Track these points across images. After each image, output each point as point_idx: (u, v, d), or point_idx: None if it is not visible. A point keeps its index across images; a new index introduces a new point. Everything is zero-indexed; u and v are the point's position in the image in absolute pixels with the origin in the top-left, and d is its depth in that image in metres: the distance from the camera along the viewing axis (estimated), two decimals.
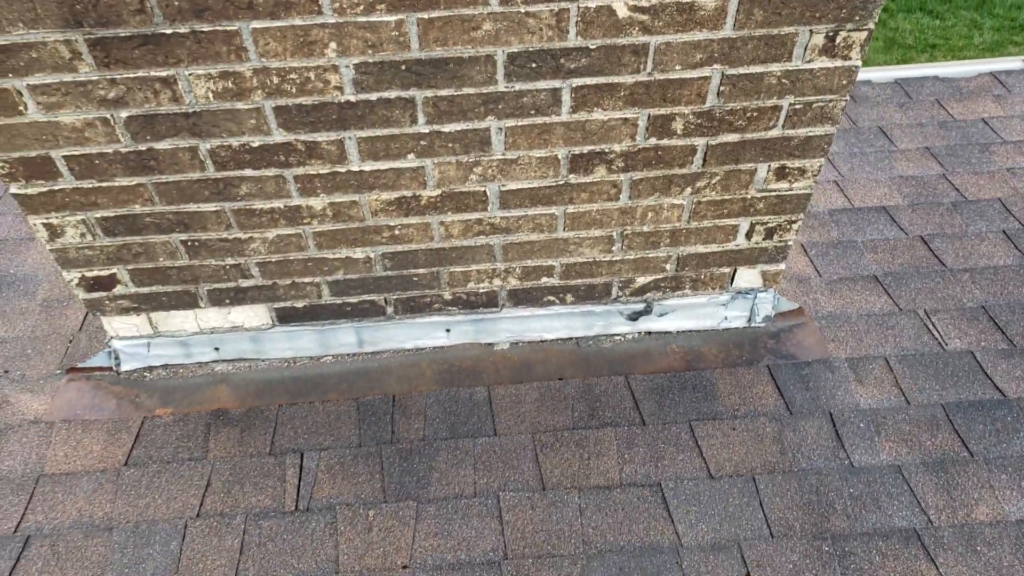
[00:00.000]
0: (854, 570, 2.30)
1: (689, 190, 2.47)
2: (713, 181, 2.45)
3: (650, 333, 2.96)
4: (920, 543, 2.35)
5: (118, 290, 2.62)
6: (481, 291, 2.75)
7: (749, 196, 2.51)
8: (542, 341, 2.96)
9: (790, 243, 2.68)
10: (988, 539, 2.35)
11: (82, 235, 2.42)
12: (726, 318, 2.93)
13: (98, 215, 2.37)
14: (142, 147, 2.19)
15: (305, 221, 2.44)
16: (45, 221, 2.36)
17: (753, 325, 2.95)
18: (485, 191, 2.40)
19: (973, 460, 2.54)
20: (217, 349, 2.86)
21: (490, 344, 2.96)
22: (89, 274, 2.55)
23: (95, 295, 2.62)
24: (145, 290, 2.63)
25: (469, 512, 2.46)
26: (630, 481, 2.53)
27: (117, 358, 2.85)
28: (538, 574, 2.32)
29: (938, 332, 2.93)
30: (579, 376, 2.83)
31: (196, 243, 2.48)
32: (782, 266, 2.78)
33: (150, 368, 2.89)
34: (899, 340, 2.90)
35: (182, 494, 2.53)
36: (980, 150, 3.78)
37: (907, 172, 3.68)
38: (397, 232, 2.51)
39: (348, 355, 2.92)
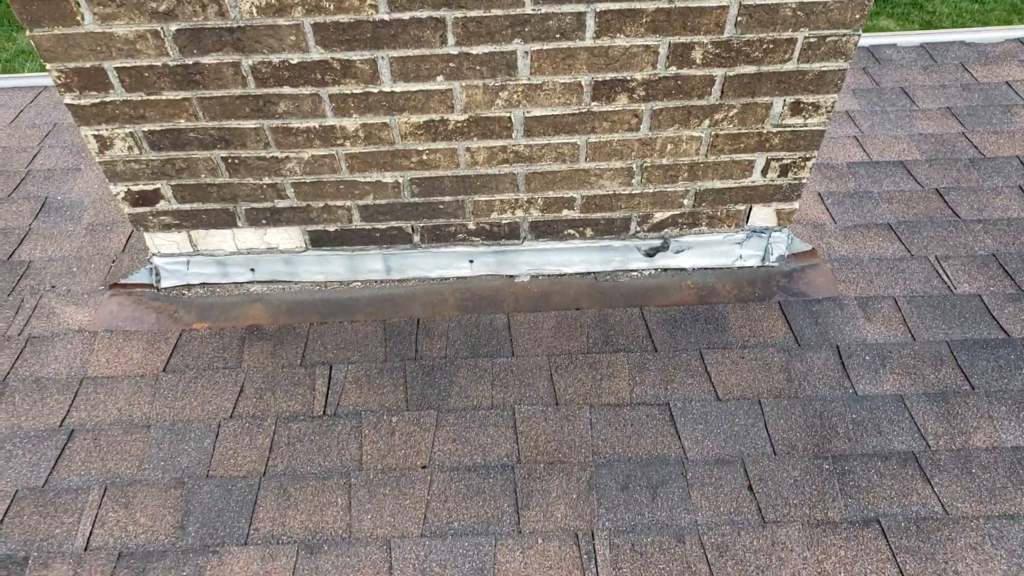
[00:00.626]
0: (852, 486, 2.41)
1: (707, 122, 2.57)
2: (730, 114, 2.55)
3: (666, 270, 3.07)
4: (917, 464, 2.45)
5: (161, 206, 2.77)
6: (504, 222, 2.87)
7: (765, 131, 2.61)
8: (561, 275, 3.08)
9: (804, 181, 2.78)
10: (983, 463, 2.45)
11: (129, 148, 2.57)
12: (741, 257, 3.03)
13: (145, 128, 2.52)
14: (189, 61, 2.33)
15: (338, 142, 2.58)
16: (96, 132, 2.51)
17: (767, 264, 3.05)
18: (510, 117, 2.52)
19: (974, 393, 2.63)
20: (252, 270, 3.01)
21: (511, 276, 3.08)
22: (135, 188, 2.70)
23: (139, 210, 2.77)
24: (186, 207, 2.78)
25: (486, 422, 2.59)
26: (640, 400, 2.64)
27: (158, 275, 3.01)
28: (549, 478, 2.44)
29: (947, 276, 3.01)
30: (595, 307, 2.95)
31: (236, 161, 2.62)
32: (796, 205, 2.87)
33: (188, 286, 3.05)
34: (908, 283, 2.99)
35: (216, 398, 2.68)
36: (1002, 111, 3.83)
37: (927, 130, 3.74)
38: (425, 157, 2.63)
39: (376, 281, 3.06)
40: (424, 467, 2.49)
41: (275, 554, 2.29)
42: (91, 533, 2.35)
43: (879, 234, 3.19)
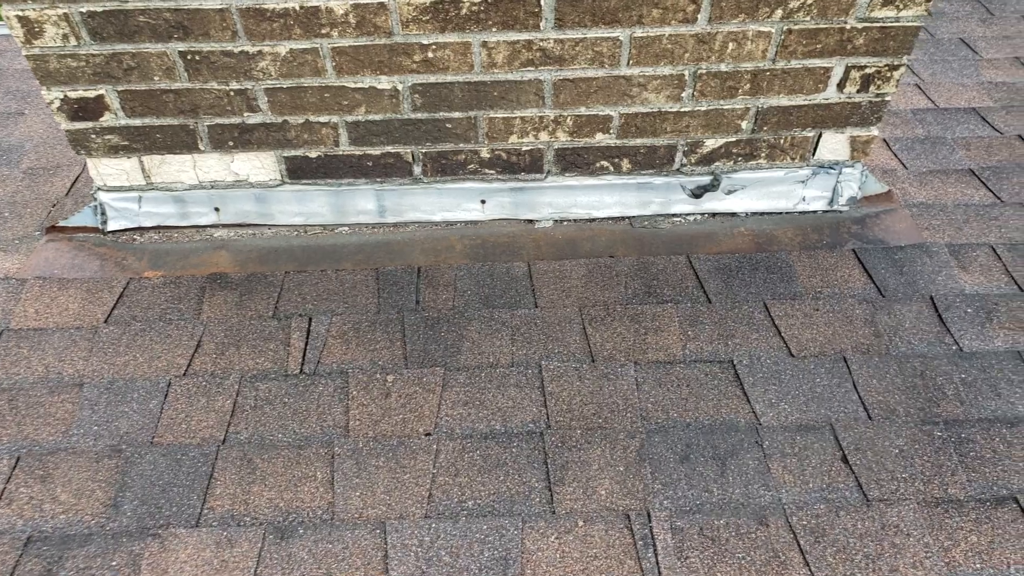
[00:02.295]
0: (974, 457, 1.89)
1: (780, 12, 2.08)
2: (809, 1, 2.06)
3: (715, 215, 2.56)
4: None
5: (106, 120, 2.24)
6: (525, 149, 2.37)
7: (848, 26, 2.12)
8: (591, 220, 2.57)
9: (888, 98, 2.29)
10: None
11: (64, 37, 2.05)
12: (804, 199, 2.53)
13: (83, 9, 2.00)
14: None
15: (323, 31, 2.07)
16: (19, 13, 2.00)
17: (835, 208, 2.55)
18: None
19: None
20: (217, 210, 2.48)
21: (530, 221, 2.56)
22: (73, 94, 2.18)
23: (79, 125, 2.25)
24: (137, 122, 2.26)
25: (505, 381, 2.06)
26: (695, 357, 2.12)
27: (103, 214, 2.47)
28: (588, 447, 1.91)
29: None
30: (632, 255, 2.44)
31: (197, 57, 2.11)
32: (875, 132, 2.38)
33: (140, 230, 2.52)
34: (1004, 231, 2.50)
35: (167, 353, 2.14)
36: None
37: (997, 79, 3.28)
38: (431, 54, 2.13)
39: (367, 226, 2.54)
40: (428, 434, 1.95)
41: (234, 538, 1.74)
42: None
43: (960, 179, 2.70)
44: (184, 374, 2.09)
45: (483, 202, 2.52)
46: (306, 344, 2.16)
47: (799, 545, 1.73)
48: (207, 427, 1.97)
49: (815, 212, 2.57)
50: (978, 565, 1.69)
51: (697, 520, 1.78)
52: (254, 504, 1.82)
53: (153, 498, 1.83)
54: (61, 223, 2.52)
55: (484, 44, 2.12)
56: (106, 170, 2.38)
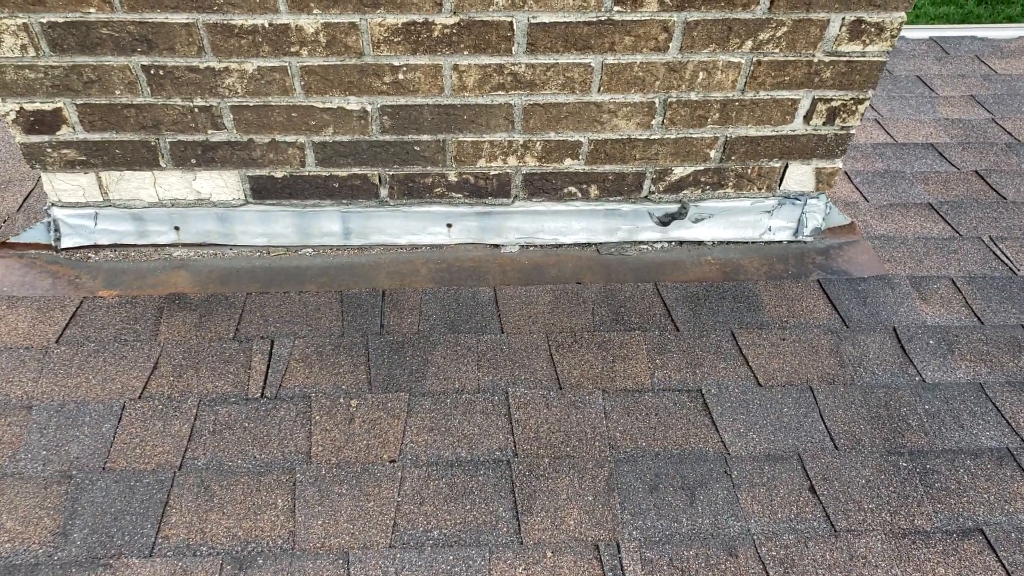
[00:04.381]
0: (939, 488, 1.89)
1: (750, 43, 2.10)
2: (778, 34, 2.08)
3: (682, 243, 2.56)
4: (1016, 463, 1.95)
5: (64, 133, 2.18)
6: (493, 173, 2.35)
7: (816, 60, 2.15)
8: (557, 246, 2.55)
9: (853, 131, 2.32)
10: None
11: (23, 47, 1.99)
12: (770, 228, 2.55)
13: (44, 19, 1.95)
14: None
15: (293, 50, 2.04)
16: None
17: (800, 239, 2.57)
18: (511, 23, 2.02)
19: None
20: (178, 228, 2.42)
21: (496, 246, 2.54)
22: (29, 107, 2.12)
23: (35, 138, 2.18)
24: (96, 137, 2.20)
25: (471, 408, 2.02)
26: (664, 386, 2.11)
27: (57, 231, 2.40)
28: (556, 476, 1.88)
29: (1008, 258, 2.56)
30: (599, 281, 2.42)
31: (161, 72, 2.06)
32: (839, 164, 2.41)
33: (96, 247, 2.44)
34: (963, 264, 2.54)
35: (122, 375, 2.07)
36: None
37: (952, 116, 3.36)
38: (401, 76, 2.10)
39: (331, 247, 2.49)
40: (393, 461, 1.90)
41: (190, 569, 1.68)
42: None
43: (920, 213, 2.75)
44: (139, 397, 2.02)
45: (449, 226, 2.49)
46: (268, 367, 2.11)
47: None
48: (162, 452, 1.90)
49: (781, 242, 2.58)
50: None
51: (667, 551, 1.76)
52: (211, 533, 1.75)
53: (104, 526, 1.76)
54: (12, 239, 2.44)
55: (455, 67, 2.10)
56: (61, 185, 2.31)
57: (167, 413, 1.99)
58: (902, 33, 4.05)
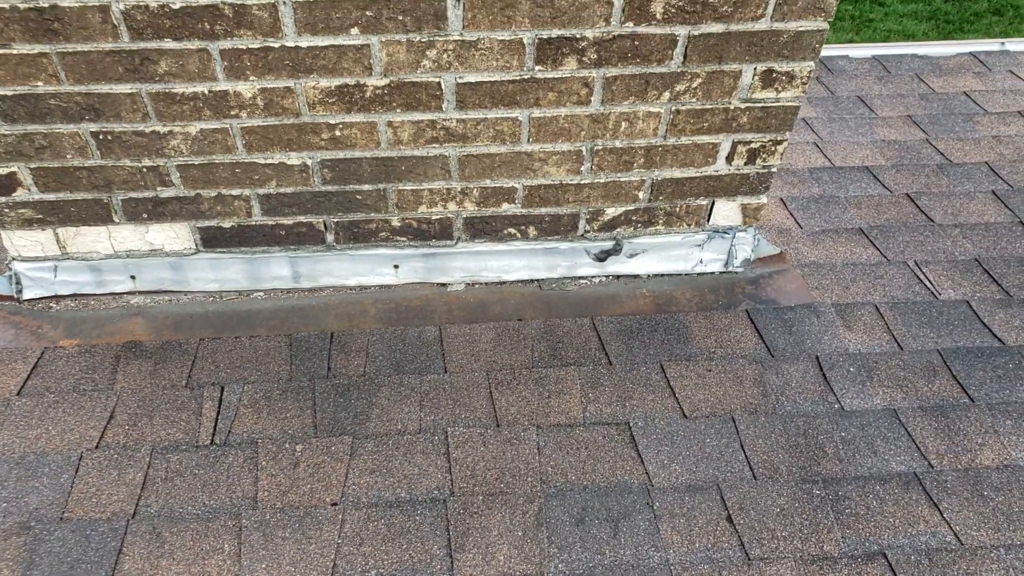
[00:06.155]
0: (849, 514, 2.02)
1: (668, 95, 2.22)
2: (694, 85, 2.20)
3: (619, 277, 2.69)
4: (922, 487, 2.08)
5: (19, 195, 2.29)
6: (434, 217, 2.47)
7: (732, 107, 2.27)
8: (501, 283, 2.67)
9: (774, 169, 2.44)
10: (995, 484, 2.09)
11: None
12: (701, 261, 2.67)
13: None
14: (43, 2, 1.89)
15: (233, 113, 2.15)
16: None
17: (731, 270, 2.69)
18: (440, 83, 2.13)
19: (974, 406, 2.29)
20: (133, 277, 2.53)
21: (443, 284, 2.66)
22: None
23: None
24: (51, 197, 2.31)
25: (412, 448, 2.14)
26: (594, 420, 2.23)
27: (19, 283, 2.51)
28: (489, 513, 2.00)
29: (930, 282, 2.69)
30: (540, 317, 2.54)
31: (109, 137, 2.17)
32: (763, 200, 2.53)
33: (57, 298, 2.55)
34: (888, 289, 2.66)
35: (80, 425, 2.18)
36: (964, 119, 3.60)
37: (889, 137, 3.49)
38: (338, 133, 2.22)
39: (282, 291, 2.61)
40: (335, 504, 2.02)
41: None
42: None
43: (850, 239, 2.87)
44: (96, 447, 2.13)
45: (396, 267, 2.61)
46: (218, 414, 2.22)
47: None
48: (117, 501, 2.02)
49: (712, 273, 2.71)
50: None
51: None
52: None
53: (61, 575, 1.87)
54: None
55: (389, 124, 2.22)
56: (20, 241, 2.42)
57: (122, 462, 2.10)
58: (846, 52, 4.18)
